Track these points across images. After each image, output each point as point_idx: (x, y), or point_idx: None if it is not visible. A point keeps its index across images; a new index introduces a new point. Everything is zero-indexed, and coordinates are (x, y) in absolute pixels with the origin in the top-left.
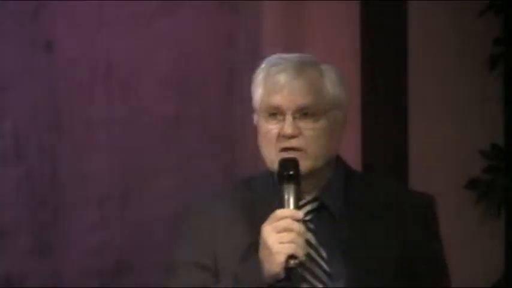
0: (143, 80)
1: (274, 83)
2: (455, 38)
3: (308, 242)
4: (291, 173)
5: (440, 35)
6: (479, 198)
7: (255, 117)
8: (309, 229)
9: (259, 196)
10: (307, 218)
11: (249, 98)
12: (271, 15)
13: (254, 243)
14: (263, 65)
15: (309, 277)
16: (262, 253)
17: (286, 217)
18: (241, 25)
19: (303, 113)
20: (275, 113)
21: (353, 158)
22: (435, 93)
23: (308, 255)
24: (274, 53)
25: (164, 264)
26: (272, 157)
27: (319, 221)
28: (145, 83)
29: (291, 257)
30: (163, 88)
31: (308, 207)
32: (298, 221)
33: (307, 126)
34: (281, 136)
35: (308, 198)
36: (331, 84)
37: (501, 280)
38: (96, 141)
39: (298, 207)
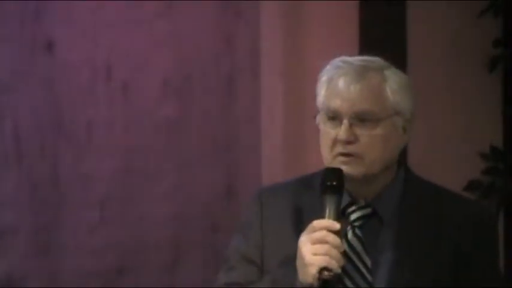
0: (144, 81)
1: (334, 87)
2: (455, 40)
3: (353, 248)
4: (334, 183)
5: (439, 36)
6: (478, 200)
7: (318, 117)
8: (356, 235)
9: (310, 202)
10: (357, 223)
11: (249, 99)
12: (271, 17)
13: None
14: (328, 67)
15: (349, 284)
16: (298, 263)
17: (321, 228)
18: (241, 26)
19: (360, 118)
20: (334, 116)
21: None
22: (434, 95)
23: (351, 261)
24: (273, 53)
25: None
26: (328, 160)
27: (369, 227)
28: (146, 84)
29: (325, 269)
30: (164, 89)
31: (359, 213)
32: (335, 232)
33: (364, 133)
34: (337, 140)
35: (360, 203)
36: (392, 90)
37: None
38: (97, 142)
39: (338, 218)
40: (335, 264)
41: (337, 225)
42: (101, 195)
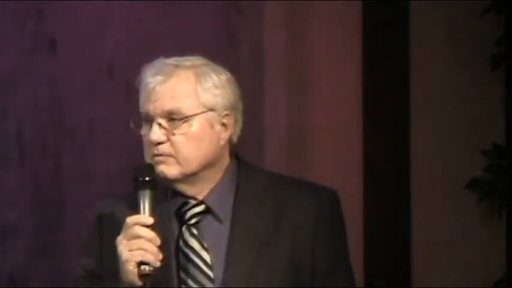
0: None
1: (144, 89)
2: (457, 38)
3: (190, 247)
4: (146, 178)
5: (442, 35)
6: (480, 198)
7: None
8: (192, 234)
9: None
10: (192, 221)
11: (252, 98)
12: (274, 16)
13: None
14: (144, 70)
15: (190, 282)
16: (119, 262)
17: (134, 224)
18: (244, 26)
19: (168, 118)
20: (146, 119)
21: (355, 158)
22: (437, 93)
23: (189, 260)
24: (277, 53)
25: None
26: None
27: (205, 225)
28: None
29: (142, 263)
30: None
31: (192, 211)
32: (149, 227)
33: (175, 132)
34: (151, 142)
35: (193, 201)
36: (203, 87)
37: (502, 280)
38: (99, 141)
39: (152, 213)
40: (151, 257)
41: (149, 219)
42: (104, 194)
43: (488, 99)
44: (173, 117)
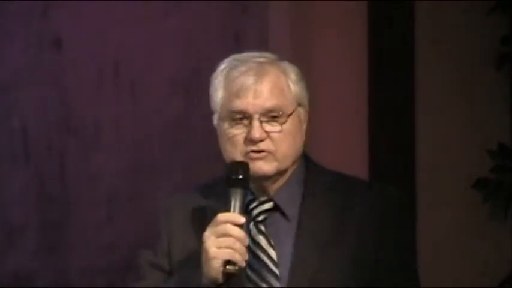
0: (151, 79)
1: (237, 87)
2: (463, 37)
3: (257, 244)
4: (239, 177)
5: (447, 34)
6: (486, 198)
7: (216, 119)
8: (259, 230)
9: (213, 202)
10: (259, 218)
11: None
12: (279, 15)
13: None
14: (221, 67)
15: (255, 278)
16: (202, 257)
17: (225, 221)
18: (249, 24)
19: (269, 115)
20: (240, 117)
21: (360, 158)
22: (443, 93)
23: (256, 256)
24: (282, 51)
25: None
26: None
27: (272, 221)
28: (154, 82)
29: (229, 262)
30: (171, 87)
31: (260, 208)
32: (239, 226)
33: (274, 129)
34: (248, 140)
35: (262, 198)
36: (293, 81)
37: (508, 279)
38: (105, 139)
39: (243, 212)
40: (239, 257)
41: (241, 219)
42: (109, 192)
43: (493, 99)
44: (273, 115)
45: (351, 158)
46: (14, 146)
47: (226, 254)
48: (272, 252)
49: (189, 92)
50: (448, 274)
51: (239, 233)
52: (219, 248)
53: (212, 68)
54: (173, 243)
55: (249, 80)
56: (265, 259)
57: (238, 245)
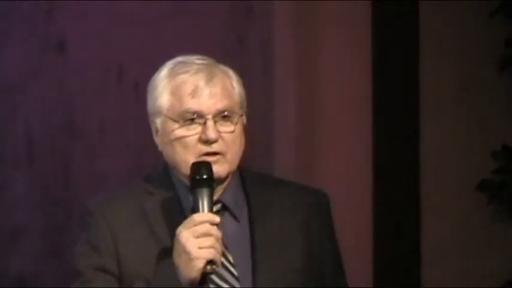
0: None
1: (189, 88)
2: (467, 39)
3: None
4: (205, 176)
5: (451, 36)
6: (490, 200)
7: (157, 121)
8: None
9: (159, 200)
10: None
11: (261, 100)
12: (283, 17)
13: (166, 248)
14: (164, 71)
15: (217, 280)
16: (180, 258)
17: (204, 222)
18: (253, 26)
19: (221, 116)
20: (192, 118)
21: (364, 159)
22: (446, 94)
23: None
24: (285, 54)
25: (69, 271)
26: (190, 162)
27: (223, 223)
28: None
29: (209, 262)
30: None
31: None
32: (215, 225)
33: (226, 130)
34: (202, 141)
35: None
36: (238, 85)
37: None
38: (109, 142)
39: (211, 211)
40: (219, 257)
41: (217, 218)
42: None
43: (497, 101)
44: (225, 115)
45: (355, 160)
46: (18, 149)
47: (209, 253)
48: (228, 254)
49: None
50: (452, 276)
51: (217, 232)
52: (201, 248)
53: None
54: (121, 248)
55: (201, 81)
56: (224, 261)
57: (218, 245)
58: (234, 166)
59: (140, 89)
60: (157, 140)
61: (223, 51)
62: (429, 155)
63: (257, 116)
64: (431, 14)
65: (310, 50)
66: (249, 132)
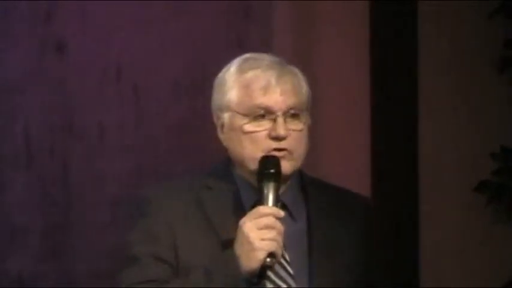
0: (154, 83)
1: (261, 84)
2: (466, 40)
3: None
4: (273, 171)
5: (450, 36)
6: (489, 201)
7: (225, 116)
8: None
9: (217, 194)
10: None
11: None
12: (283, 17)
13: (226, 240)
14: (235, 65)
15: (273, 277)
16: (242, 249)
17: (268, 214)
18: (252, 27)
19: (291, 113)
20: (263, 114)
21: (363, 160)
22: (445, 95)
23: None
24: (285, 54)
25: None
26: (257, 157)
27: (281, 222)
28: (157, 86)
29: (270, 255)
30: (174, 90)
31: None
32: (278, 219)
33: (295, 128)
34: (271, 137)
35: None
36: (305, 84)
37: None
38: (108, 143)
39: (276, 205)
40: (280, 250)
41: (281, 213)
42: (112, 195)
43: (496, 102)
44: (294, 113)
45: (353, 160)
46: (17, 150)
47: (271, 245)
48: (284, 253)
49: (192, 96)
50: (451, 277)
51: (280, 226)
52: (264, 240)
53: (215, 72)
54: (178, 239)
55: (273, 77)
56: (281, 259)
57: (280, 238)
58: (299, 165)
59: (139, 90)
60: (222, 136)
61: (222, 53)
62: (428, 155)
63: None
64: (431, 14)
65: (309, 50)
66: None
